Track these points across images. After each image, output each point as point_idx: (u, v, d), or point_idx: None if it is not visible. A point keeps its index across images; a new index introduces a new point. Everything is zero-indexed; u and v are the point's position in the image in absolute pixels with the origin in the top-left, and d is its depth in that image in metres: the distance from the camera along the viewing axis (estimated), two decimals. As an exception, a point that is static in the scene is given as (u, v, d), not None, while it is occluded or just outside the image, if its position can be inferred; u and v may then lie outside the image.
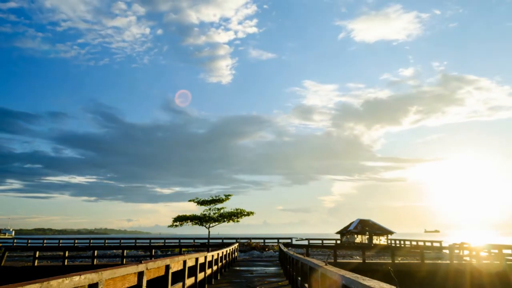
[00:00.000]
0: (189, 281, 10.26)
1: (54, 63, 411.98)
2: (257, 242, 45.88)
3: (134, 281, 5.71)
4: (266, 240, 46.68)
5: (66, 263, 23.48)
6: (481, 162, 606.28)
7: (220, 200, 46.17)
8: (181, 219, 45.94)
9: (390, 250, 33.51)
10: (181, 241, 46.54)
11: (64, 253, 23.76)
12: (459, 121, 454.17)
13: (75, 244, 44.80)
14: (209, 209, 46.04)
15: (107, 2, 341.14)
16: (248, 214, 46.52)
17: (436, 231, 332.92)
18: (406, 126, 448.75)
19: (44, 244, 46.84)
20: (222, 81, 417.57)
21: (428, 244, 40.21)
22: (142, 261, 6.19)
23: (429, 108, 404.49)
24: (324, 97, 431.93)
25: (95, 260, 24.36)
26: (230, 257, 22.31)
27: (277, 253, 34.61)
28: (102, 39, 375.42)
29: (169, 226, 46.43)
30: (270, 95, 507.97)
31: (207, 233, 46.09)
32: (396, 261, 24.22)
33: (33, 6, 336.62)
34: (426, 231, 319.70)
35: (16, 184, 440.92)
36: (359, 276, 4.10)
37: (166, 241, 45.65)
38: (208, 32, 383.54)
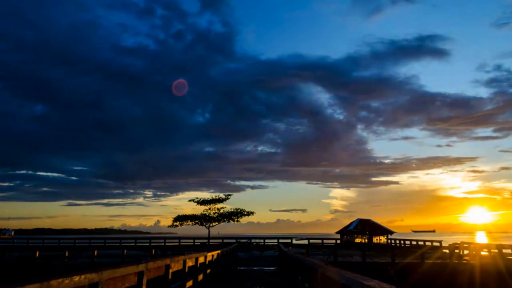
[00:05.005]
0: (189, 281, 10.26)
1: None
2: (257, 242, 45.87)
3: (134, 281, 5.71)
4: (266, 240, 46.66)
5: (66, 263, 23.50)
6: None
7: (220, 200, 46.19)
8: (181, 219, 45.96)
9: (390, 250, 33.60)
10: (181, 241, 46.58)
11: (64, 253, 23.79)
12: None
13: (75, 244, 44.82)
14: (209, 209, 46.07)
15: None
16: (248, 213, 46.53)
17: (432, 230, 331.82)
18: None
19: (44, 244, 46.84)
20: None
21: (428, 243, 40.20)
22: (142, 261, 6.19)
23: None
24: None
25: (95, 260, 24.38)
26: (230, 257, 22.31)
27: (277, 253, 34.61)
28: None
29: (169, 226, 46.48)
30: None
31: (207, 232, 46.14)
32: (396, 261, 24.20)
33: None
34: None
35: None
36: (359, 276, 4.11)
37: (166, 241, 45.68)
38: None
